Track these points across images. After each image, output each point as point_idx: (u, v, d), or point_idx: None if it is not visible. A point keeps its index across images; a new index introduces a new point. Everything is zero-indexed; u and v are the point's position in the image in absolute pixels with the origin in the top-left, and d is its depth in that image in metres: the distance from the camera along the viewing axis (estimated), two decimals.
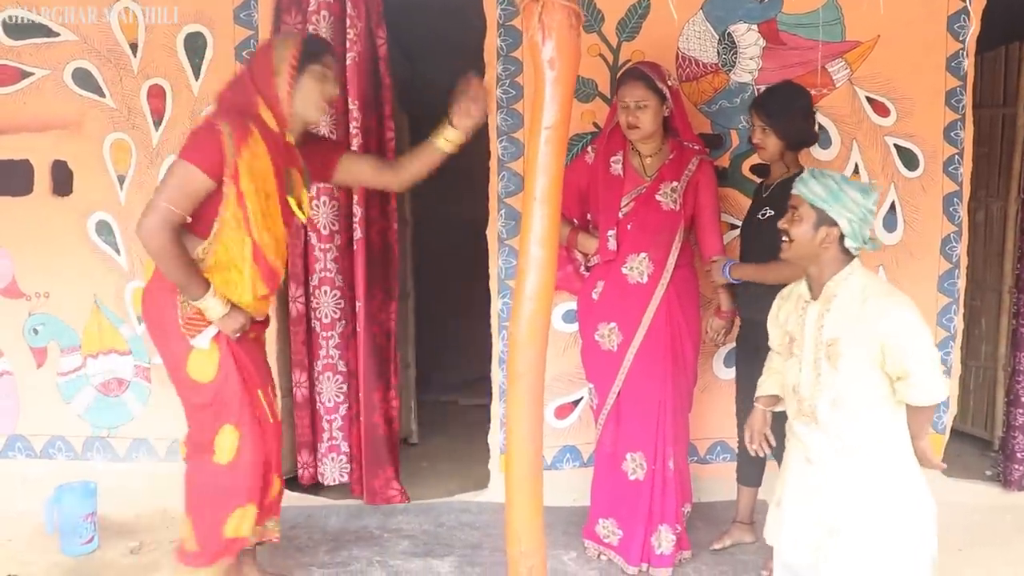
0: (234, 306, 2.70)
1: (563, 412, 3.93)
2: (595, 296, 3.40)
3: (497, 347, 3.88)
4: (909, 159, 3.89)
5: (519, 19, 3.49)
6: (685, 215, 3.36)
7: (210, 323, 2.69)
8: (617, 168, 3.38)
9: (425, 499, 4.04)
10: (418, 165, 3.06)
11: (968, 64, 3.84)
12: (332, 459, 3.95)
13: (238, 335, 2.74)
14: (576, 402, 3.91)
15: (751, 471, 3.50)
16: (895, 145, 3.88)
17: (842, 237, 2.31)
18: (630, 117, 3.27)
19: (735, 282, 3.32)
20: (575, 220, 3.54)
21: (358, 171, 3.14)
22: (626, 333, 3.32)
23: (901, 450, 2.32)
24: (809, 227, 2.33)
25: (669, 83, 3.30)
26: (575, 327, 3.62)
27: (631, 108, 3.26)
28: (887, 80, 3.84)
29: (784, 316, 2.55)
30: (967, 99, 3.87)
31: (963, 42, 3.83)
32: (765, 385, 2.69)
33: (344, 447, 3.96)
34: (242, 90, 2.76)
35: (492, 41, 3.76)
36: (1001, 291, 4.67)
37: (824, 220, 2.31)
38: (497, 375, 3.88)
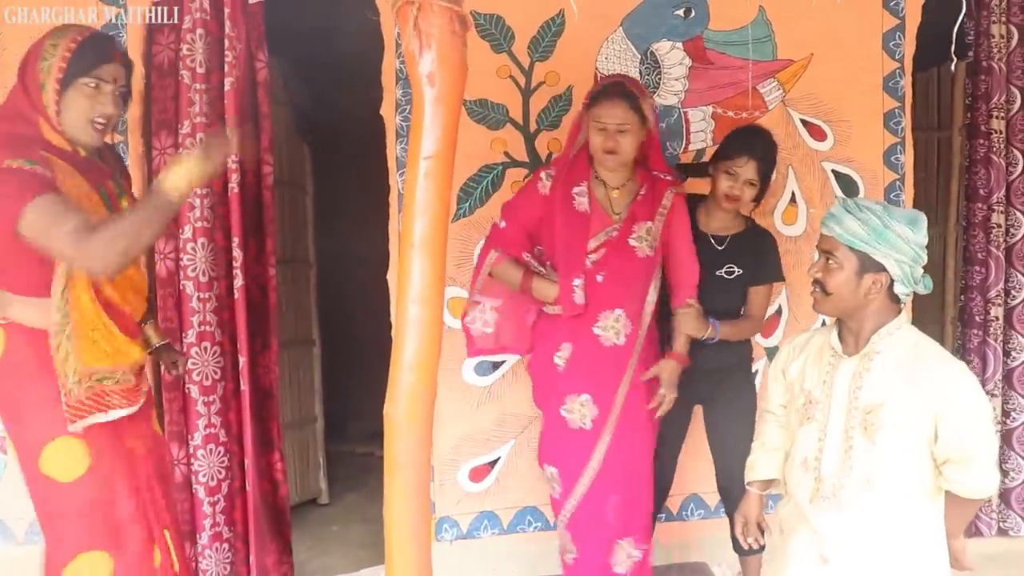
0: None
1: (478, 474, 3.49)
2: (559, 362, 2.83)
3: None
4: (848, 186, 3.60)
5: None
6: (660, 260, 2.86)
7: (99, 411, 2.15)
8: (583, 203, 2.82)
9: (330, 574, 3.63)
10: None
11: (906, 84, 3.59)
12: (216, 550, 3.30)
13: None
14: (492, 463, 3.49)
15: None
16: (833, 171, 3.60)
17: (891, 283, 1.92)
18: (609, 141, 2.74)
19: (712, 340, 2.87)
20: (524, 256, 2.91)
21: None
22: (602, 406, 2.78)
23: (937, 552, 1.93)
24: (851, 275, 1.91)
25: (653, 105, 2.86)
26: (489, 380, 3.21)
27: (610, 131, 2.74)
28: (822, 101, 3.56)
29: (798, 370, 2.09)
30: (906, 121, 3.61)
31: (900, 61, 3.59)
32: (759, 467, 2.22)
33: (227, 532, 3.36)
34: (18, 110, 2.22)
35: (390, 63, 3.36)
36: (944, 323, 4.44)
37: (869, 265, 1.90)
38: None
